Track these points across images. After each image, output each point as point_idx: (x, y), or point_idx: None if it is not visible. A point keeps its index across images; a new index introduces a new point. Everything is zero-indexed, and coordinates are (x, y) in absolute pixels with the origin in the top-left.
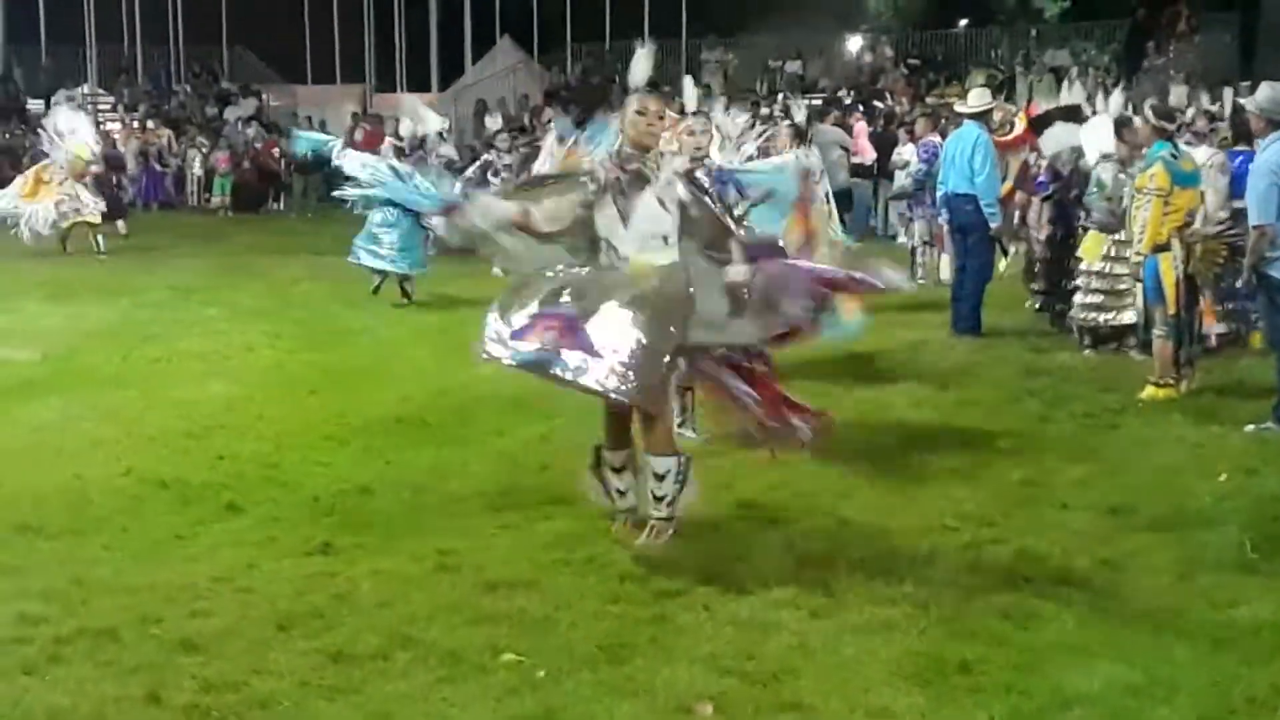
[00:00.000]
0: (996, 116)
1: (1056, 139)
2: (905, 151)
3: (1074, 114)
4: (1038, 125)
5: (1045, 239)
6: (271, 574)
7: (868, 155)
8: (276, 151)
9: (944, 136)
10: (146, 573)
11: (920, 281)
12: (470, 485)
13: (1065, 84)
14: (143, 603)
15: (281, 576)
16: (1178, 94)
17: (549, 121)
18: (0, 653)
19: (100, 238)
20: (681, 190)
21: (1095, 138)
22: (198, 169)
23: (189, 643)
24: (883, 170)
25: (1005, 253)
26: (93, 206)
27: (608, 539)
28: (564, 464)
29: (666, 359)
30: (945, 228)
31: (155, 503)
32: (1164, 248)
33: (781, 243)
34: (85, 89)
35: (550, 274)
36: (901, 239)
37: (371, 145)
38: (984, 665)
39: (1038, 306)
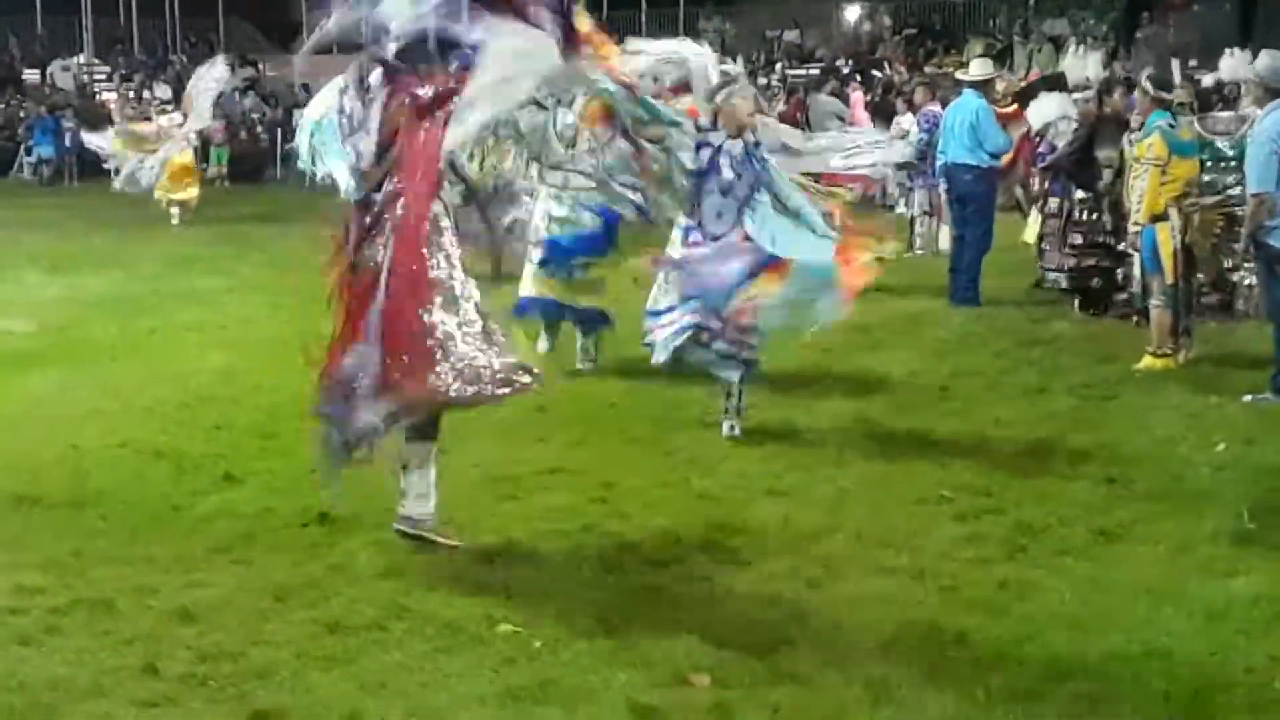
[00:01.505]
0: (999, 87)
1: (1044, 110)
2: (904, 121)
3: (1059, 83)
4: (1022, 97)
5: (1045, 213)
6: (268, 545)
7: (864, 125)
8: None
9: (944, 105)
10: (143, 544)
11: (919, 252)
12: (467, 457)
13: (1073, 51)
14: (140, 573)
15: (278, 547)
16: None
17: None
18: None
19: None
20: None
21: None
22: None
23: (186, 613)
24: None
25: (1025, 214)
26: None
27: (604, 510)
28: (560, 436)
29: None
30: (944, 197)
31: (152, 474)
32: (1162, 218)
33: None
34: (81, 59)
35: None
36: (900, 209)
37: None
38: (981, 636)
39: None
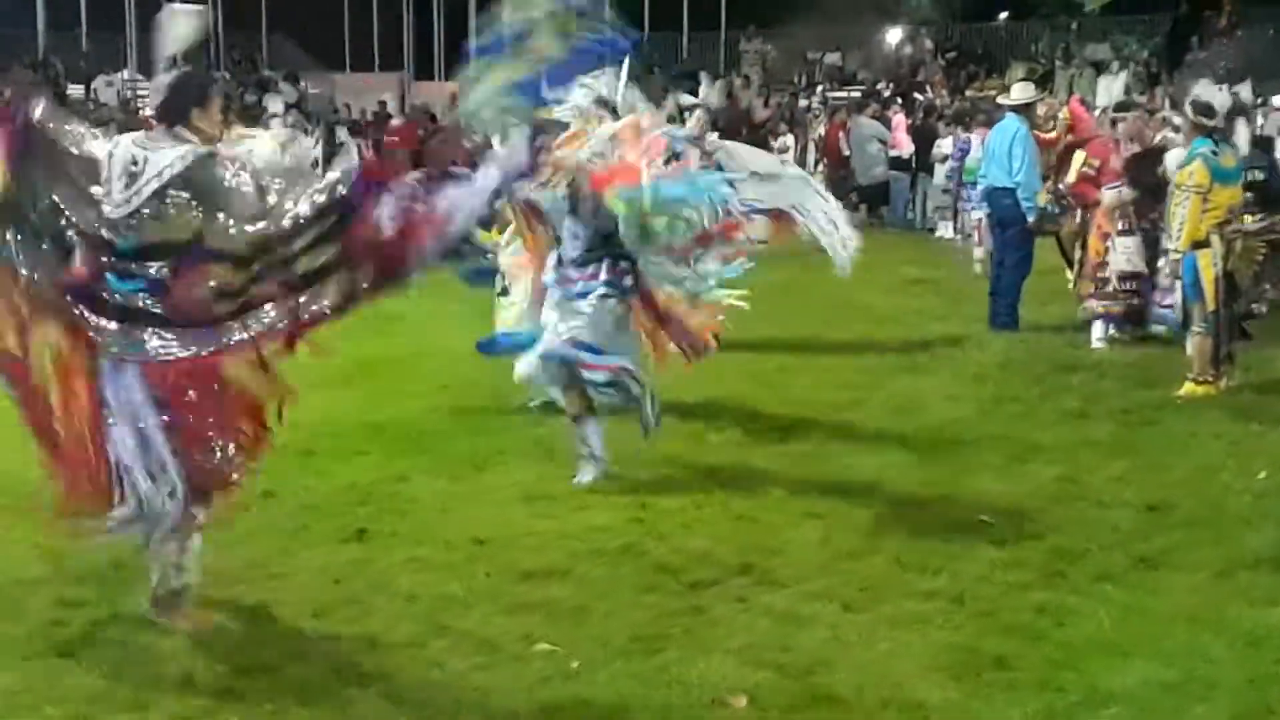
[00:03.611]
0: (1040, 111)
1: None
2: (944, 145)
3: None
4: None
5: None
6: (306, 560)
7: (905, 148)
8: None
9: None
10: None
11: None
12: (505, 475)
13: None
14: None
15: (316, 564)
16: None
17: None
18: (38, 635)
19: None
20: None
21: None
22: None
23: (223, 628)
24: (921, 163)
25: (1070, 264)
26: None
27: (642, 530)
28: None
29: None
30: (984, 221)
31: None
32: (1203, 244)
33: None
34: (125, 75)
35: None
36: (940, 232)
37: (409, 135)
38: (1019, 661)
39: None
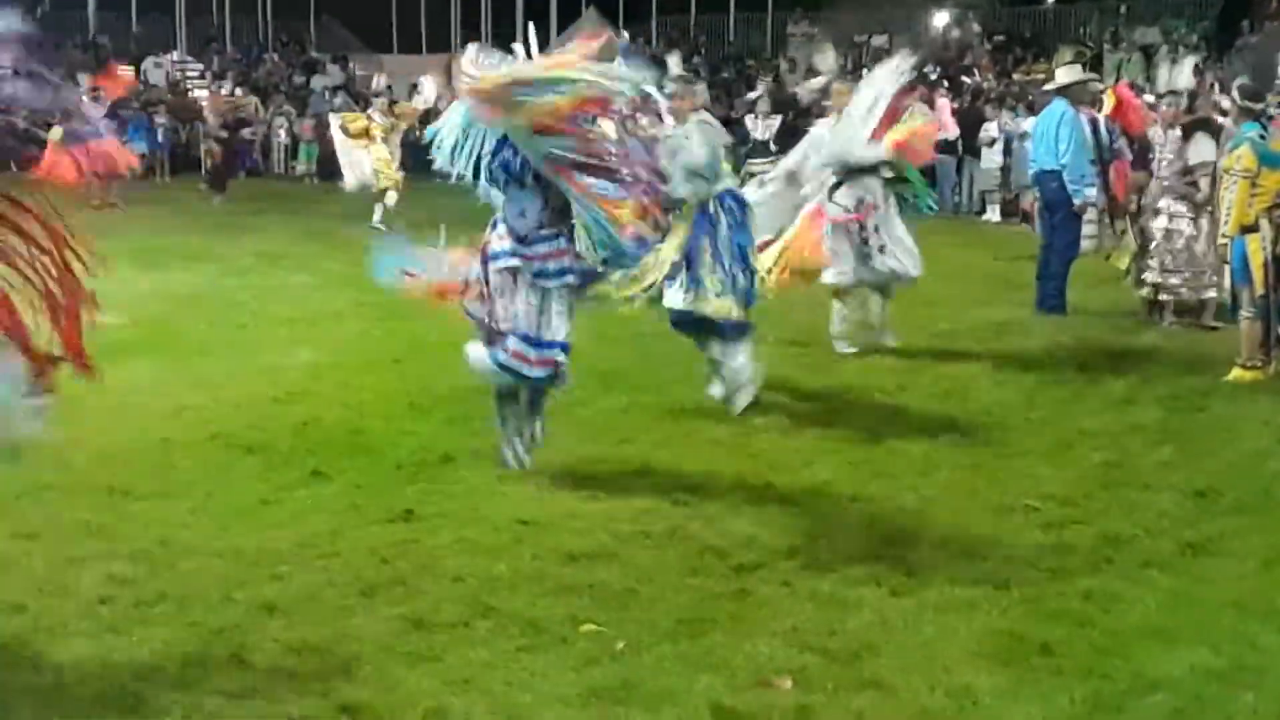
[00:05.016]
0: (1091, 88)
1: None
2: (991, 128)
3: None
4: None
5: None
6: (355, 541)
7: (951, 131)
8: None
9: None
10: (231, 537)
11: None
12: (551, 456)
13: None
14: (227, 566)
15: (364, 543)
16: None
17: None
18: (87, 613)
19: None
20: None
21: None
22: (283, 137)
23: (272, 606)
24: (967, 147)
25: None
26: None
27: (687, 512)
28: (644, 437)
29: None
30: (1035, 205)
31: (241, 468)
32: (1252, 229)
33: None
34: (174, 56)
35: None
36: (987, 215)
37: None
38: (1065, 647)
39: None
